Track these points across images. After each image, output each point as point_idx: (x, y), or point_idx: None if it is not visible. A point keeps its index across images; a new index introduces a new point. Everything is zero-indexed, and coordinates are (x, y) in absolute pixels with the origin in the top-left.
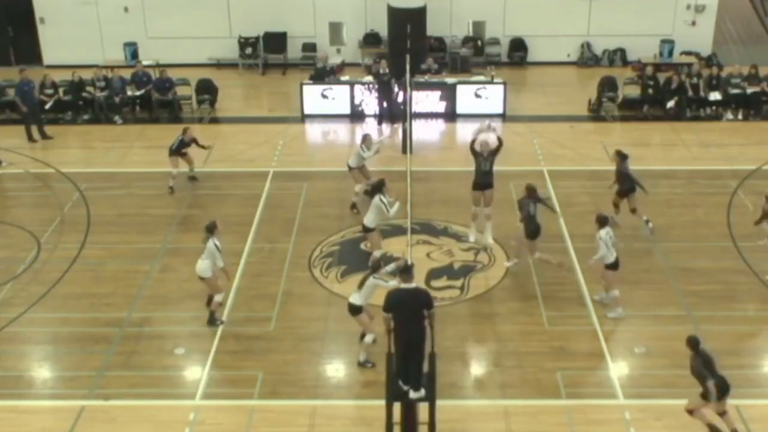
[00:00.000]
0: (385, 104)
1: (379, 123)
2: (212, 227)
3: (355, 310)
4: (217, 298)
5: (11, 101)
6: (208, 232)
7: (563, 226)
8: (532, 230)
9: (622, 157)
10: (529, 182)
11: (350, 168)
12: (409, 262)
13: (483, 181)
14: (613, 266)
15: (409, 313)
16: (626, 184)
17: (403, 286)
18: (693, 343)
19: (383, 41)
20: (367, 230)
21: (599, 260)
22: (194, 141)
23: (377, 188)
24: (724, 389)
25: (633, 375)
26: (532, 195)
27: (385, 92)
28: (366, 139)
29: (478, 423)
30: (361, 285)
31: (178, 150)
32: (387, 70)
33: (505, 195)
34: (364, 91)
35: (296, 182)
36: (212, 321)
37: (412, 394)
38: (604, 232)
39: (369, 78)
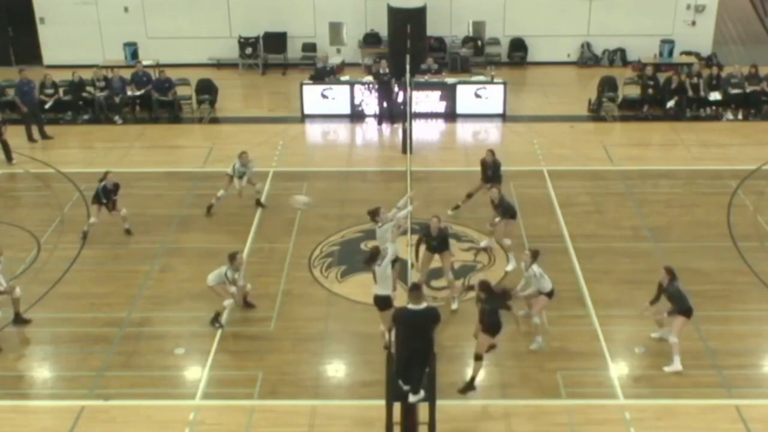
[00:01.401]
0: (385, 104)
1: (379, 123)
2: (231, 258)
3: (382, 301)
4: (225, 302)
5: (11, 101)
6: (228, 260)
7: (563, 227)
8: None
9: (492, 152)
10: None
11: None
12: (409, 265)
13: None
14: (551, 294)
15: (417, 332)
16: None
17: (411, 306)
18: (485, 287)
19: (383, 41)
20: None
21: (530, 295)
22: (117, 187)
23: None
24: (495, 328)
25: (633, 375)
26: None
27: (385, 92)
28: (242, 156)
29: (478, 423)
30: (374, 277)
31: (101, 200)
32: (387, 70)
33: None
34: (364, 91)
35: (296, 182)
36: (214, 321)
37: (411, 398)
38: (536, 266)
39: (369, 78)
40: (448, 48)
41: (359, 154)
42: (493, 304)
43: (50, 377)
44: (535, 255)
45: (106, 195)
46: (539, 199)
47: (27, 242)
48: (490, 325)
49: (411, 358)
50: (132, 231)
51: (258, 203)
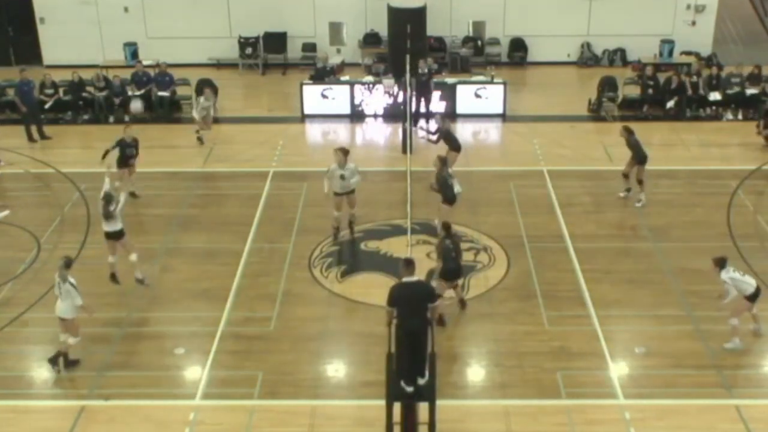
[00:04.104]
0: (423, 104)
1: (415, 123)
2: (69, 263)
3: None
4: (72, 341)
5: (11, 101)
6: (65, 268)
7: (563, 227)
8: (450, 196)
9: (629, 131)
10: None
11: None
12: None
13: None
14: (752, 297)
15: (412, 305)
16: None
17: (405, 279)
18: (446, 227)
19: (383, 41)
20: None
21: (731, 301)
22: (137, 143)
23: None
24: (450, 275)
25: (633, 375)
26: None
27: (422, 92)
28: (205, 92)
29: (478, 423)
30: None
31: (126, 159)
32: (426, 69)
33: (506, 195)
34: (364, 91)
35: (296, 182)
36: (54, 361)
37: (420, 381)
38: (724, 273)
39: (369, 78)
40: (448, 48)
41: (359, 154)
42: (456, 242)
43: (50, 377)
44: (717, 263)
45: (126, 151)
46: (539, 199)
47: (27, 242)
48: (447, 271)
49: (411, 340)
50: (138, 194)
51: (199, 139)
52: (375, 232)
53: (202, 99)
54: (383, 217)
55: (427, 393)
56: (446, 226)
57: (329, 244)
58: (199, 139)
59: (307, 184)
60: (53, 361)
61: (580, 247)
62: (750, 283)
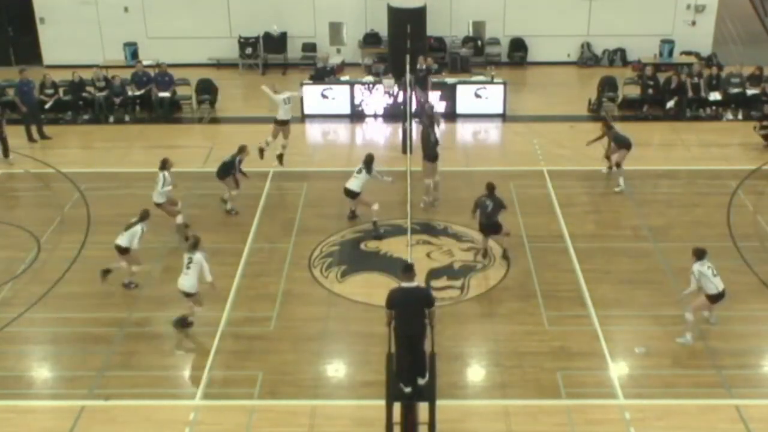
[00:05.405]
0: (422, 101)
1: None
2: (196, 243)
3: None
4: (197, 309)
5: (11, 101)
6: (193, 248)
7: (563, 227)
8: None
9: (608, 126)
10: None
11: (282, 121)
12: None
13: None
14: (714, 298)
15: (410, 309)
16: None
17: (404, 285)
18: (489, 187)
19: (383, 41)
20: (354, 195)
21: (690, 294)
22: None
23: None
24: (481, 229)
25: (633, 375)
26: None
27: (420, 89)
28: (275, 131)
29: (478, 423)
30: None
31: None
32: (424, 66)
33: (506, 195)
34: (364, 91)
35: (296, 182)
36: (182, 323)
37: (420, 381)
38: (698, 265)
39: (369, 78)
40: (448, 48)
41: (359, 154)
42: (495, 202)
43: (50, 377)
44: (696, 253)
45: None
46: (539, 199)
47: (27, 242)
48: (479, 224)
49: (409, 343)
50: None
51: (279, 158)
52: (375, 232)
53: (269, 138)
54: (383, 217)
55: (427, 393)
56: (490, 187)
57: (330, 244)
58: (261, 151)
59: (307, 184)
60: (180, 323)
61: (580, 247)
62: (715, 285)
